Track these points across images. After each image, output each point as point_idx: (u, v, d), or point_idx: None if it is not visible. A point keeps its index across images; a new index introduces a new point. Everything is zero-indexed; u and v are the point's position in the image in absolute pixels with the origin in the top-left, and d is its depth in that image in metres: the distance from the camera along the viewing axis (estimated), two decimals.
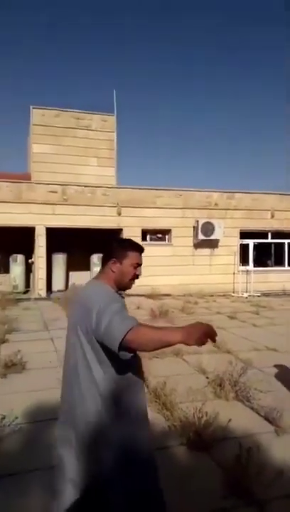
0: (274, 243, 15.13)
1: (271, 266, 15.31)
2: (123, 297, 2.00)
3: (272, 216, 14.45)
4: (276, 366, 5.26)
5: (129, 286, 2.01)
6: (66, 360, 1.89)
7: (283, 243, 14.89)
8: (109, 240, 2.07)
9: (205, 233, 13.34)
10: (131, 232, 13.20)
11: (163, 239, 13.93)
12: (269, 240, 14.89)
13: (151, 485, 1.80)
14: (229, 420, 3.28)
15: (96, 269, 14.39)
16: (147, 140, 51.85)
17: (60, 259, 14.04)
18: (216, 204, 14.02)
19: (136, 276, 2.00)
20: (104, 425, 1.71)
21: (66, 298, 10.15)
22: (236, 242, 14.07)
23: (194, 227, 13.57)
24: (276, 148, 54.93)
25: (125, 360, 1.62)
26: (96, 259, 14.42)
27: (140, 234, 13.30)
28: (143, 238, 13.51)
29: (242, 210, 14.21)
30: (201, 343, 1.51)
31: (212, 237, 13.37)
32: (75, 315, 1.85)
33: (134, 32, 51.14)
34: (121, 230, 13.27)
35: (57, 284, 13.77)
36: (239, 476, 2.59)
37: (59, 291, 13.10)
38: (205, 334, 1.51)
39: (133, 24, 50.33)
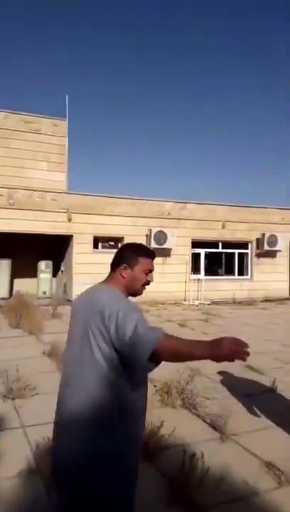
0: (225, 253, 15.59)
1: (222, 275, 15.74)
2: None
3: (223, 227, 14.89)
4: (222, 373, 5.34)
5: (140, 293, 1.95)
6: (68, 362, 1.81)
7: (234, 253, 15.38)
8: (122, 245, 2.05)
9: (157, 242, 13.46)
10: (82, 239, 13.04)
11: (115, 247, 13.87)
12: (220, 250, 15.32)
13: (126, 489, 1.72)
14: (174, 428, 3.27)
15: (43, 275, 14.05)
16: (102, 146, 51.81)
17: (4, 265, 13.56)
18: (169, 213, 14.22)
19: (148, 283, 1.95)
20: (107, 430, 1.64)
21: (10, 306, 9.75)
22: (188, 251, 14.32)
23: (147, 235, 13.65)
24: (237, 160, 56.97)
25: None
26: (44, 265, 14.08)
27: (91, 241, 13.17)
28: (95, 246, 13.37)
29: (194, 220, 14.51)
30: (231, 360, 1.40)
31: (164, 246, 13.52)
32: (80, 317, 1.78)
33: (92, 34, 51.22)
34: (71, 236, 13.05)
35: (1, 291, 13.28)
36: (182, 483, 2.57)
37: (2, 298, 12.56)
38: (234, 352, 1.39)
39: (91, 23, 50.37)
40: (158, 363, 1.53)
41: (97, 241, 13.47)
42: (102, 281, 1.96)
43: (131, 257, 1.90)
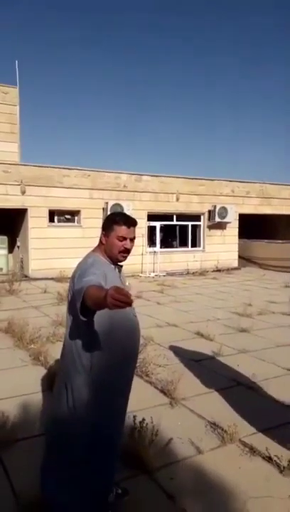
0: (179, 225, 15.84)
1: (176, 247, 16.05)
2: (119, 270, 2.10)
3: (177, 199, 15.05)
4: (174, 341, 5.58)
5: (119, 259, 2.07)
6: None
7: (187, 225, 15.66)
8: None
9: None
10: (37, 213, 12.68)
11: (71, 220, 13.65)
12: (174, 222, 15.54)
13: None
14: None
15: None
16: (60, 115, 49.65)
17: None
18: (125, 186, 14.11)
19: (125, 250, 2.05)
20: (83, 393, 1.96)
21: None
22: (144, 224, 14.38)
23: (103, 208, 13.52)
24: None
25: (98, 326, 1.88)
26: None
27: (47, 214, 12.84)
28: (51, 219, 13.07)
29: (149, 192, 14.52)
30: (113, 305, 1.46)
31: (123, 212, 13.46)
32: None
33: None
34: (26, 210, 12.65)
35: None
36: (132, 447, 2.72)
37: None
38: (116, 300, 1.45)
39: None
40: (87, 307, 1.71)
41: (52, 214, 13.16)
42: (95, 247, 2.14)
43: (108, 225, 2.07)
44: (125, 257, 2.09)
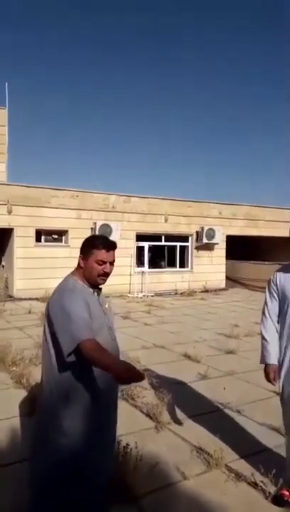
0: (167, 246, 15.95)
1: (164, 267, 16.10)
2: (98, 293, 2.09)
3: (166, 220, 15.20)
4: (160, 363, 5.54)
5: (98, 282, 2.06)
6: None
7: (175, 246, 15.78)
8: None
9: (102, 235, 13.43)
10: (24, 232, 12.64)
11: (59, 240, 13.63)
12: (163, 243, 15.64)
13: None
14: None
15: None
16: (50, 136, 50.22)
17: None
18: (113, 207, 14.22)
19: (104, 274, 2.03)
20: (55, 409, 1.95)
21: None
22: (132, 244, 14.45)
23: (92, 228, 13.56)
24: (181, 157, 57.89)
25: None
26: None
27: (33, 234, 12.80)
28: (38, 239, 13.03)
29: (138, 213, 14.65)
30: (128, 383, 1.71)
31: (102, 235, 13.53)
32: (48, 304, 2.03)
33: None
34: (12, 229, 12.61)
35: None
36: (117, 473, 2.66)
37: None
38: (132, 379, 1.64)
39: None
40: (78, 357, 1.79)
41: (40, 234, 13.14)
42: (73, 270, 2.12)
43: (86, 248, 2.04)
44: (104, 280, 2.07)
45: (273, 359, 2.63)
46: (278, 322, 2.60)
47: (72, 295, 1.93)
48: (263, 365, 2.73)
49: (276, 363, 2.62)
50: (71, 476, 1.92)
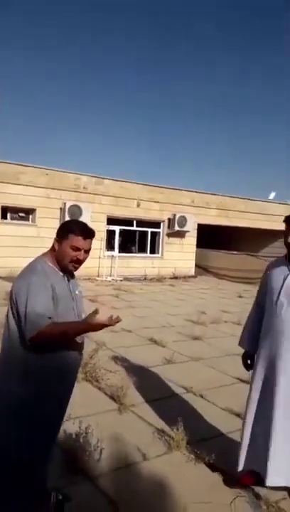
0: (138, 231, 15.89)
1: (135, 252, 16.07)
2: (68, 278, 2.01)
3: (138, 205, 15.10)
4: (126, 346, 5.54)
5: (68, 268, 1.98)
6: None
7: (147, 231, 15.75)
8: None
9: (72, 216, 13.11)
10: None
11: (26, 218, 13.25)
12: (134, 228, 15.57)
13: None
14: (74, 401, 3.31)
15: None
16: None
17: None
18: (84, 188, 13.94)
19: (77, 261, 1.95)
20: (9, 387, 1.91)
21: None
22: (103, 227, 14.28)
23: (61, 208, 13.27)
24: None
25: None
26: None
27: None
28: (3, 216, 12.60)
29: (109, 196, 14.45)
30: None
31: (82, 221, 13.29)
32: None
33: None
34: None
35: None
36: (76, 453, 2.64)
37: None
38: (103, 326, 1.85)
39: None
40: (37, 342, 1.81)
41: (5, 211, 12.71)
42: (46, 251, 2.04)
43: (63, 232, 1.97)
44: (76, 268, 2.00)
45: (248, 346, 2.69)
46: (263, 313, 2.60)
47: (37, 278, 1.87)
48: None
49: (250, 351, 2.67)
50: (14, 459, 1.90)
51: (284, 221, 2.42)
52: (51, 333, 1.80)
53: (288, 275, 2.42)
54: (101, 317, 1.82)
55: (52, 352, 1.90)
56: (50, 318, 1.82)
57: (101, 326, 1.83)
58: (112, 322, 1.83)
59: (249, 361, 2.70)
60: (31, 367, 1.89)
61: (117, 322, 1.82)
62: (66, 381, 2.03)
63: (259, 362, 2.50)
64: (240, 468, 2.51)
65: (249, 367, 2.70)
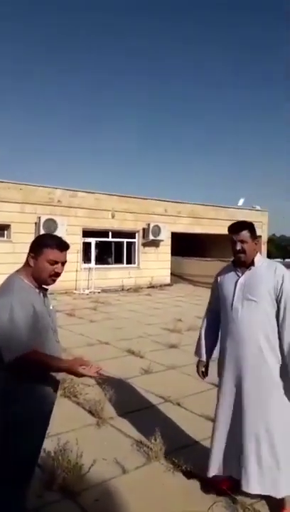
0: (114, 242, 15.95)
1: (111, 263, 16.11)
2: (45, 294, 2.04)
3: (113, 216, 15.19)
4: (104, 359, 5.56)
5: (47, 283, 2.01)
6: None
7: (122, 242, 15.84)
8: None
9: (47, 230, 13.07)
10: None
11: (1, 235, 13.09)
12: (110, 239, 15.62)
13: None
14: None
15: None
16: None
17: None
18: (59, 201, 13.93)
19: (56, 274, 1.98)
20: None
21: None
22: (79, 240, 14.26)
23: (36, 223, 13.19)
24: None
25: None
26: None
27: None
28: None
29: (85, 208, 14.48)
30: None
31: (55, 235, 13.24)
32: None
33: None
34: None
35: None
36: (56, 471, 2.66)
37: None
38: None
39: None
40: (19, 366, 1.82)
41: None
42: (19, 269, 2.03)
43: (37, 247, 1.98)
44: (54, 281, 2.03)
45: (203, 355, 2.81)
46: (218, 320, 2.72)
47: (19, 297, 1.87)
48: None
49: (205, 360, 2.81)
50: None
51: (228, 231, 2.53)
52: (33, 359, 1.82)
53: (237, 280, 2.54)
54: (86, 370, 1.92)
55: (31, 376, 1.91)
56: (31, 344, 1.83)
57: (82, 375, 1.92)
58: (94, 375, 1.99)
59: (203, 369, 2.82)
60: (11, 388, 1.89)
61: (98, 375, 2.00)
62: (46, 402, 2.03)
63: (223, 366, 2.59)
64: (210, 474, 2.58)
65: (204, 375, 2.83)
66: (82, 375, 1.92)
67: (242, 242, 2.45)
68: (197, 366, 2.86)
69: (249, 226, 2.52)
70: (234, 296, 2.52)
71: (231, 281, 2.58)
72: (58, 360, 1.95)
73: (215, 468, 2.58)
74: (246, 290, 2.48)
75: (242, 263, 2.52)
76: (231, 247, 2.51)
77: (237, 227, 2.50)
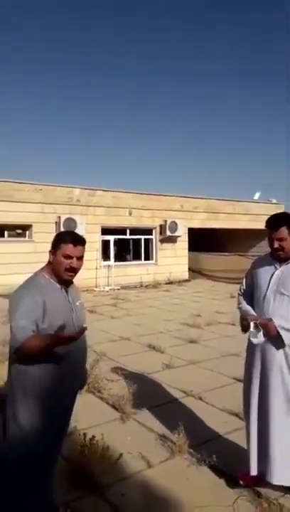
0: (132, 239, 16.03)
1: (130, 260, 16.19)
2: (66, 289, 2.09)
3: (130, 213, 15.25)
4: (126, 355, 5.64)
5: (64, 277, 2.05)
6: None
7: (140, 239, 15.90)
8: None
9: (67, 229, 13.21)
10: None
11: (23, 235, 13.34)
12: (128, 236, 15.71)
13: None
14: (77, 414, 3.40)
15: None
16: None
17: None
18: (78, 200, 14.07)
19: (71, 269, 2.02)
20: (14, 398, 2.01)
21: None
22: (98, 238, 14.39)
23: (56, 222, 13.37)
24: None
25: None
26: None
27: None
28: (1, 234, 12.70)
29: (102, 207, 14.59)
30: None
31: (70, 231, 13.36)
32: None
33: None
34: None
35: None
36: (83, 466, 2.72)
37: None
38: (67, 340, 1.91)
39: None
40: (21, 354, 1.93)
41: (2, 229, 12.79)
42: (44, 265, 2.13)
43: (55, 243, 2.06)
44: (71, 276, 2.06)
45: (250, 310, 2.60)
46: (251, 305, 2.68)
47: (26, 292, 1.96)
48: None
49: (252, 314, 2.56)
50: (21, 465, 1.98)
51: (266, 225, 2.49)
52: (30, 345, 1.87)
53: (274, 272, 2.51)
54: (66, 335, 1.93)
55: (39, 364, 1.97)
56: (33, 331, 1.90)
57: (66, 340, 1.89)
58: (75, 335, 1.95)
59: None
60: (25, 379, 1.98)
61: (82, 332, 2.00)
62: (62, 392, 2.07)
63: (251, 362, 2.59)
64: (254, 472, 2.57)
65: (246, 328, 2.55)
66: (68, 338, 1.91)
67: (281, 240, 2.42)
68: (242, 319, 2.62)
69: (287, 221, 2.43)
70: (268, 287, 2.49)
71: (267, 272, 2.54)
72: (44, 337, 1.93)
73: (255, 466, 2.56)
74: (281, 283, 2.45)
75: (281, 259, 2.50)
76: (268, 240, 2.47)
77: (276, 223, 2.44)
